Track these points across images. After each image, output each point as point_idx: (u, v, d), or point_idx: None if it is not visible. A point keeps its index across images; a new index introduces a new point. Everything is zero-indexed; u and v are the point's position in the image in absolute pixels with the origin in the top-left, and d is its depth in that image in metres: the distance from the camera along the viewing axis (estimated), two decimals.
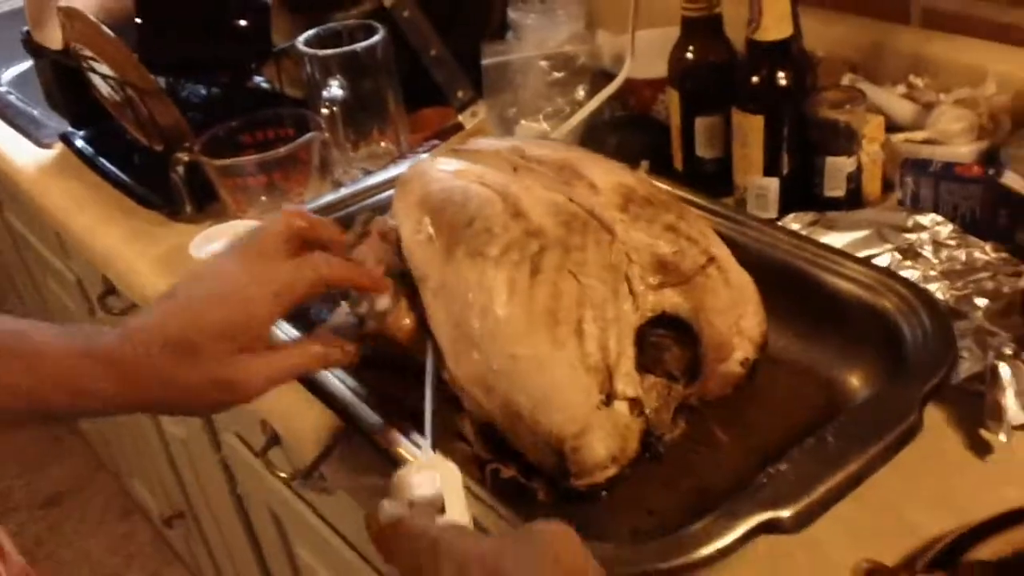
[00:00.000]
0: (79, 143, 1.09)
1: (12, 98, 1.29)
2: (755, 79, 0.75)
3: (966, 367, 0.60)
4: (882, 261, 0.68)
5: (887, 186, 0.79)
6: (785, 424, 0.59)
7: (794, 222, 0.74)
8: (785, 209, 0.77)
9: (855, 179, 0.77)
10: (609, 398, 0.56)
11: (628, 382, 0.56)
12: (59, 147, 1.12)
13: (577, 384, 0.54)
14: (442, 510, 0.43)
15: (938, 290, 0.65)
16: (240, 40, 0.97)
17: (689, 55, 0.80)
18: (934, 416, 0.60)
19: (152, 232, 0.93)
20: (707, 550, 0.46)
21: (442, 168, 0.66)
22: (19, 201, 1.18)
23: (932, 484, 0.56)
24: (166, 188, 0.92)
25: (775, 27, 0.73)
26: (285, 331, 0.66)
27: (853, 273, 0.64)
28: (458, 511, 0.43)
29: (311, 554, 0.90)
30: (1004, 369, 0.58)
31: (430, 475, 0.45)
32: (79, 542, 1.76)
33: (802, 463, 0.51)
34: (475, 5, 0.99)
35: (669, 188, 0.72)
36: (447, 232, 0.61)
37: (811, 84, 0.81)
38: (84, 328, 0.50)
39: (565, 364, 0.54)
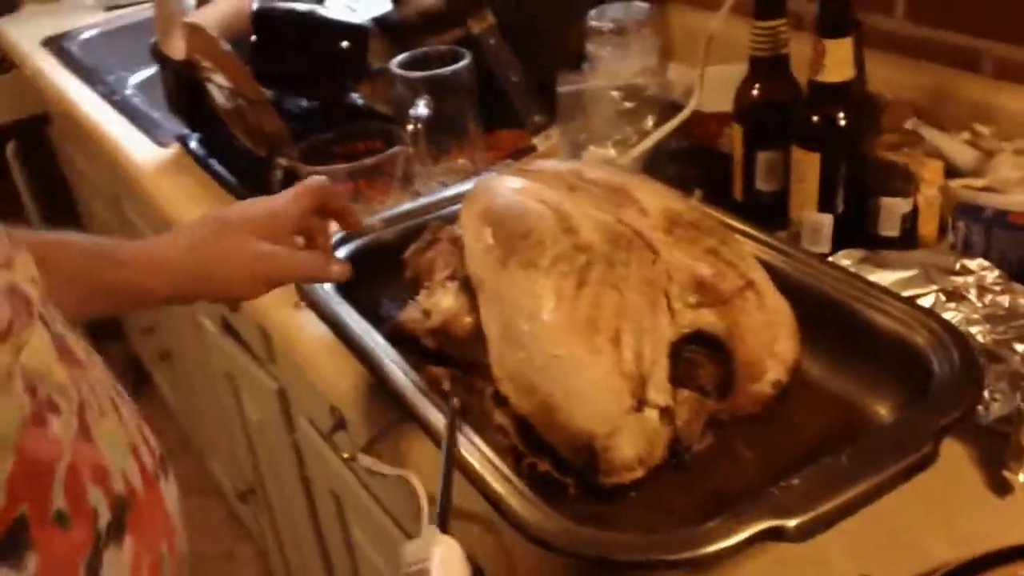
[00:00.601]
0: (193, 145, 1.20)
1: (137, 101, 1.42)
2: (814, 118, 0.78)
3: (997, 408, 0.61)
4: (926, 301, 0.68)
5: (944, 229, 0.80)
6: (809, 447, 0.61)
7: (845, 258, 0.76)
8: (838, 245, 0.78)
9: (910, 220, 0.79)
10: (641, 404, 0.60)
11: (660, 391, 0.60)
12: (175, 147, 1.22)
13: (611, 387, 0.59)
14: None
15: (979, 333, 0.66)
16: (341, 60, 1.04)
17: (754, 92, 0.84)
18: (959, 452, 0.61)
19: None
20: (710, 548, 0.49)
21: (506, 184, 0.72)
22: (137, 195, 1.29)
23: (948, 516, 0.57)
24: (265, 189, 1.00)
25: (836, 70, 0.76)
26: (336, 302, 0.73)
27: (891, 309, 0.65)
28: None
29: (364, 535, 0.96)
30: None
31: (425, 552, 0.45)
32: None
33: (813, 479, 0.53)
34: (555, 37, 1.04)
35: (722, 217, 0.76)
36: (504, 242, 0.66)
37: (873, 126, 0.83)
38: (131, 244, 0.63)
39: (601, 368, 0.59)
